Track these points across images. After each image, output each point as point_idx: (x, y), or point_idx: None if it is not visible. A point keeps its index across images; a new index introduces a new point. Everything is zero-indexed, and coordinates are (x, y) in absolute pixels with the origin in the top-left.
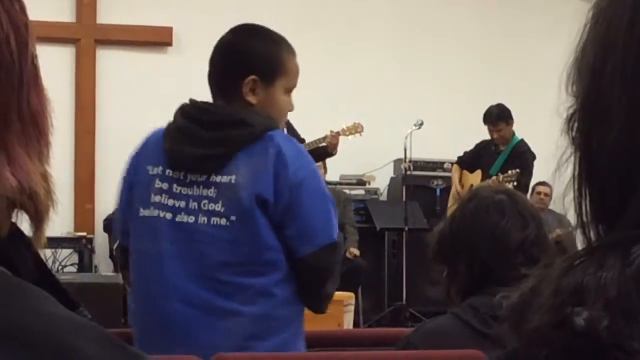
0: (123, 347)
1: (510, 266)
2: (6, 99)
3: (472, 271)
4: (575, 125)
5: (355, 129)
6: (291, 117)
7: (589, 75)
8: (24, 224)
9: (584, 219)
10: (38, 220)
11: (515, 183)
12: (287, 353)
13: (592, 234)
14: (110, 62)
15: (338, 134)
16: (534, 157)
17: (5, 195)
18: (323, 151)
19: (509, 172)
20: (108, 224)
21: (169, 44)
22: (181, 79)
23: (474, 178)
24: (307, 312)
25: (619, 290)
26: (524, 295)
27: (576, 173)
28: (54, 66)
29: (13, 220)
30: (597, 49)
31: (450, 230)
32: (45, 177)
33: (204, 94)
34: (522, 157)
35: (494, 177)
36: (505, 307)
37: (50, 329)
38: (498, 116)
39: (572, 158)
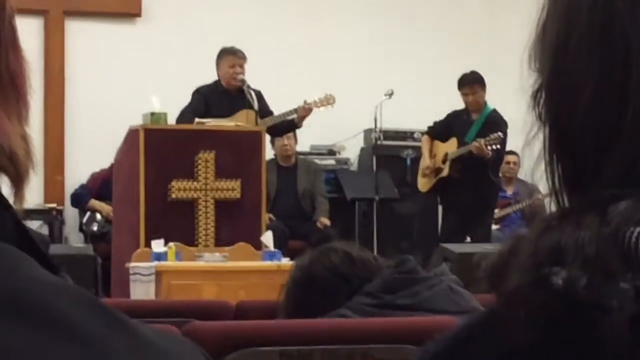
0: (107, 310)
1: None
2: None
3: None
4: (542, 99)
5: (327, 101)
6: (261, 87)
7: (554, 47)
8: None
9: (557, 187)
10: (18, 181)
11: (498, 146)
12: (260, 322)
13: (565, 202)
14: (79, 33)
15: (310, 106)
16: (507, 125)
17: None
18: (289, 123)
19: (491, 135)
20: (76, 198)
21: (138, 14)
22: (150, 50)
23: (449, 146)
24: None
25: (597, 249)
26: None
27: (546, 145)
28: (22, 38)
29: None
30: (561, 20)
31: None
32: (25, 138)
33: (172, 65)
34: (497, 125)
35: (475, 142)
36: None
37: (32, 292)
38: (474, 79)
39: (540, 132)
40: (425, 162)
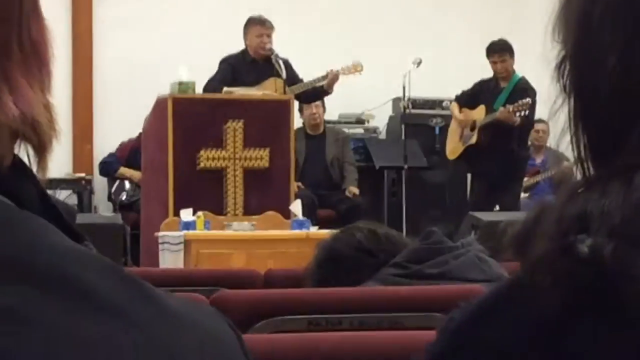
0: (130, 278)
1: None
2: (6, 29)
3: None
4: (566, 70)
5: (355, 69)
6: (289, 56)
7: (578, 17)
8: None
9: (582, 157)
10: (41, 150)
11: (526, 112)
12: (290, 290)
13: (591, 171)
14: (107, 1)
15: (338, 74)
16: (535, 93)
17: (8, 125)
18: (320, 90)
19: (519, 102)
20: (105, 167)
21: None
22: (178, 18)
23: (477, 114)
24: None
25: (623, 216)
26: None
27: (571, 115)
28: (51, 5)
29: (15, 151)
30: None
31: None
32: (47, 107)
33: (201, 35)
34: (525, 92)
35: (501, 108)
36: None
37: (55, 261)
38: (503, 47)
39: (565, 103)
40: (457, 118)
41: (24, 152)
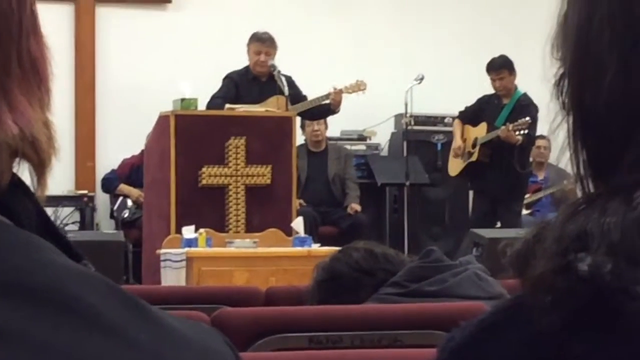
0: (129, 297)
1: None
2: (6, 46)
3: None
4: (565, 86)
5: (358, 87)
6: (293, 73)
7: (576, 32)
8: (25, 175)
9: (582, 174)
10: (40, 168)
11: (526, 131)
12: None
13: (591, 189)
14: (110, 20)
15: (341, 91)
16: (537, 109)
17: (7, 143)
18: (326, 108)
19: (520, 120)
20: (105, 183)
21: (169, 0)
22: (180, 36)
23: (479, 131)
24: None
25: (623, 235)
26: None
27: (570, 132)
28: (53, 24)
29: (14, 170)
30: (582, 6)
31: None
32: (47, 124)
33: (202, 51)
34: (527, 109)
35: (502, 127)
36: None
37: (53, 280)
38: (501, 64)
39: (565, 121)
40: (456, 143)
41: (23, 170)
